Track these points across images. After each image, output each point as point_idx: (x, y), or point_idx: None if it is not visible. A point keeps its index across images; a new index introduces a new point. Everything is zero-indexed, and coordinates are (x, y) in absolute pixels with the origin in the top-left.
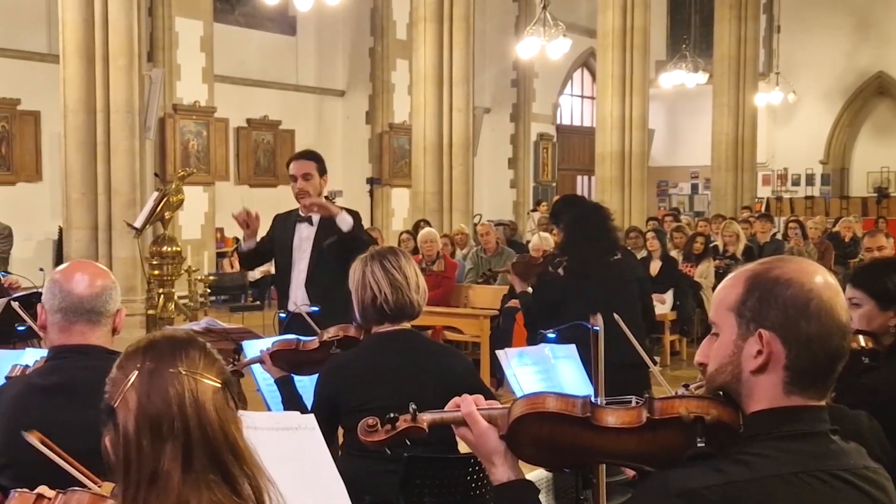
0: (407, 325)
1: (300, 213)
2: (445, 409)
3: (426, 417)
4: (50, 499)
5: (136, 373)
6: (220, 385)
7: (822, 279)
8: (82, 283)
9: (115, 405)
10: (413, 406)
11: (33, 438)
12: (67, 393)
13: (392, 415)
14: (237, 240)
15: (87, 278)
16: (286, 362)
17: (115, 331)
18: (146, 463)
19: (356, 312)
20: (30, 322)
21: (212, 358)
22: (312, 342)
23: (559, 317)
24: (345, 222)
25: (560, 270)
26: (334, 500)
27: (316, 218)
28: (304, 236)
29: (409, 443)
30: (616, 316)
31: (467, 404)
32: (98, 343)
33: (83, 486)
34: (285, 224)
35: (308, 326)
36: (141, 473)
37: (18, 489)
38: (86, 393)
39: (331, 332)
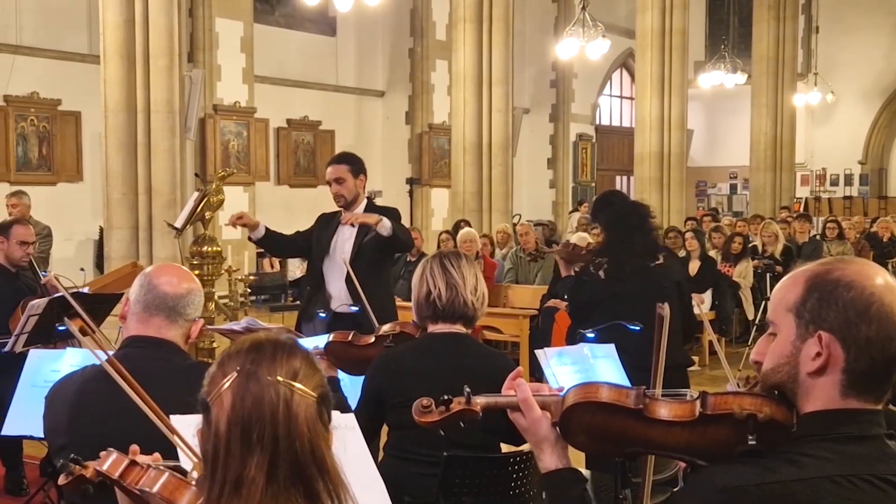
0: (461, 327)
1: (342, 216)
2: (502, 392)
3: (480, 401)
4: (141, 468)
5: (235, 374)
6: (315, 398)
7: (883, 281)
8: (170, 282)
9: (211, 402)
10: (467, 389)
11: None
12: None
13: (446, 396)
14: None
15: (176, 279)
16: (337, 357)
17: (188, 338)
18: (233, 465)
19: (413, 309)
20: (80, 313)
21: (313, 369)
22: (368, 336)
23: (594, 319)
24: (385, 228)
25: (601, 272)
26: (374, 501)
27: (369, 232)
28: (346, 237)
29: (462, 424)
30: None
31: (523, 390)
32: (171, 340)
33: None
34: (328, 224)
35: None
36: (227, 475)
37: (114, 450)
38: (151, 384)
39: (386, 328)
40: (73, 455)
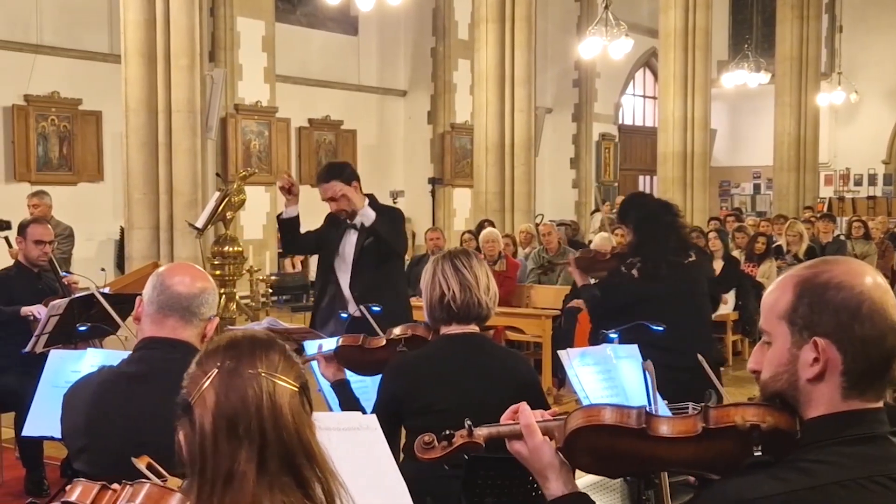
0: (475, 327)
1: (348, 221)
2: (501, 421)
3: (482, 432)
4: (115, 490)
5: (216, 371)
6: (297, 388)
7: (872, 279)
8: (183, 282)
9: (193, 402)
10: (468, 422)
11: (140, 464)
12: (149, 382)
13: (448, 431)
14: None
15: (189, 279)
16: (348, 360)
17: (204, 337)
18: (222, 462)
19: (425, 312)
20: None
21: (291, 361)
22: (379, 339)
23: (630, 319)
24: (366, 217)
25: (634, 272)
26: (396, 501)
27: (358, 222)
28: (350, 242)
29: (466, 457)
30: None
31: (526, 416)
32: (187, 340)
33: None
34: (339, 226)
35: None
36: (216, 472)
37: (82, 479)
38: (167, 384)
39: (398, 331)
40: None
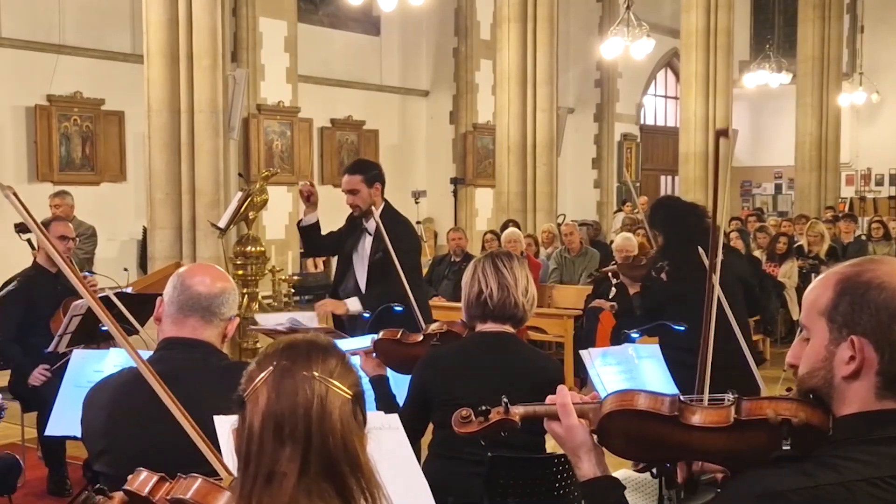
0: (510, 327)
1: (363, 222)
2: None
3: (518, 410)
4: (171, 482)
5: (271, 370)
6: (350, 396)
7: None
8: (203, 282)
9: (246, 398)
10: (505, 399)
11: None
12: (170, 383)
13: (485, 407)
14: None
15: (209, 279)
16: (385, 354)
17: (225, 337)
18: (265, 461)
19: (462, 309)
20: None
21: (348, 368)
22: (416, 335)
23: (668, 319)
24: (352, 306)
25: (663, 275)
26: (418, 501)
27: (372, 228)
28: (365, 246)
29: (503, 434)
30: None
31: (562, 395)
32: (207, 340)
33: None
34: (356, 227)
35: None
36: (259, 470)
37: (144, 468)
38: (188, 385)
39: (434, 327)
40: (98, 486)
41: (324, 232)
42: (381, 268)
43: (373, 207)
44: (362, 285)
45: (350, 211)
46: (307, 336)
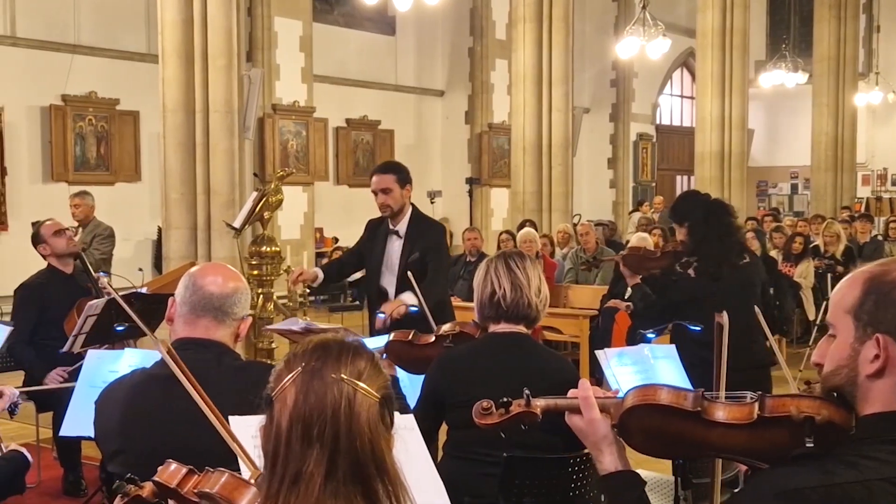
0: (523, 328)
1: (390, 225)
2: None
3: (540, 403)
4: (198, 476)
5: (300, 370)
6: (378, 399)
7: None
8: (215, 282)
9: (274, 397)
10: (527, 391)
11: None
12: (181, 383)
13: (506, 399)
14: (331, 249)
15: (221, 279)
16: (397, 356)
17: (237, 336)
18: (292, 461)
19: (475, 310)
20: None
21: (378, 371)
22: (428, 336)
23: (683, 318)
24: (409, 304)
25: (690, 271)
26: (434, 501)
27: (403, 230)
28: (395, 249)
29: (524, 427)
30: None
31: (585, 388)
32: (220, 340)
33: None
34: (376, 232)
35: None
36: (286, 470)
37: (173, 460)
38: (201, 385)
39: (446, 328)
40: (129, 475)
41: (349, 231)
42: (418, 268)
43: (405, 206)
44: (391, 289)
45: (367, 220)
46: (338, 337)
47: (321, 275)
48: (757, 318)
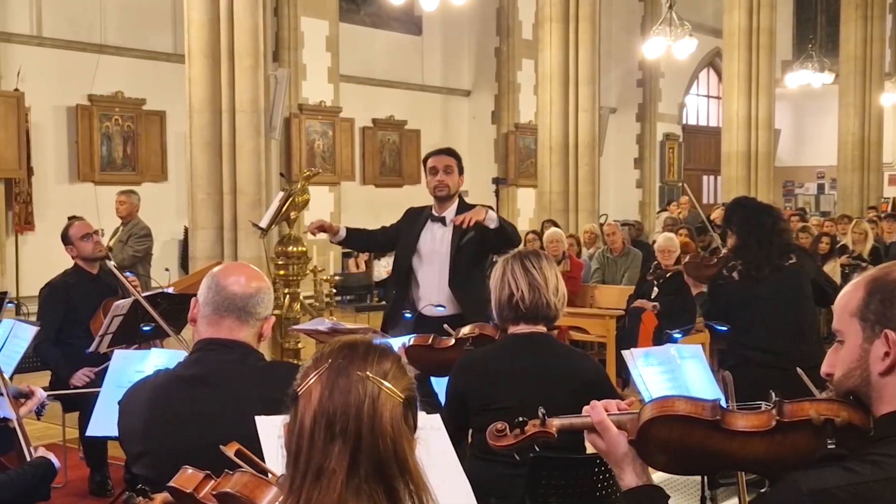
0: (542, 327)
1: (433, 211)
2: (576, 414)
3: (555, 423)
4: (216, 479)
5: (326, 367)
6: (402, 399)
7: None
8: (238, 282)
9: (299, 394)
10: (542, 410)
11: (229, 451)
12: (206, 384)
13: (521, 419)
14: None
15: (244, 279)
16: (418, 361)
17: (261, 336)
18: (315, 457)
19: (493, 311)
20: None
21: (403, 372)
22: (448, 340)
23: (733, 321)
24: (492, 220)
25: (735, 274)
26: (461, 502)
27: (450, 217)
28: (439, 237)
29: (537, 448)
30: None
31: (598, 412)
32: (244, 341)
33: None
34: (416, 220)
35: (438, 329)
36: (309, 465)
37: (189, 466)
38: (225, 386)
39: (466, 330)
40: (140, 486)
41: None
42: (470, 255)
43: (457, 193)
44: (426, 288)
45: (389, 212)
46: (366, 338)
47: (343, 231)
48: (809, 318)
